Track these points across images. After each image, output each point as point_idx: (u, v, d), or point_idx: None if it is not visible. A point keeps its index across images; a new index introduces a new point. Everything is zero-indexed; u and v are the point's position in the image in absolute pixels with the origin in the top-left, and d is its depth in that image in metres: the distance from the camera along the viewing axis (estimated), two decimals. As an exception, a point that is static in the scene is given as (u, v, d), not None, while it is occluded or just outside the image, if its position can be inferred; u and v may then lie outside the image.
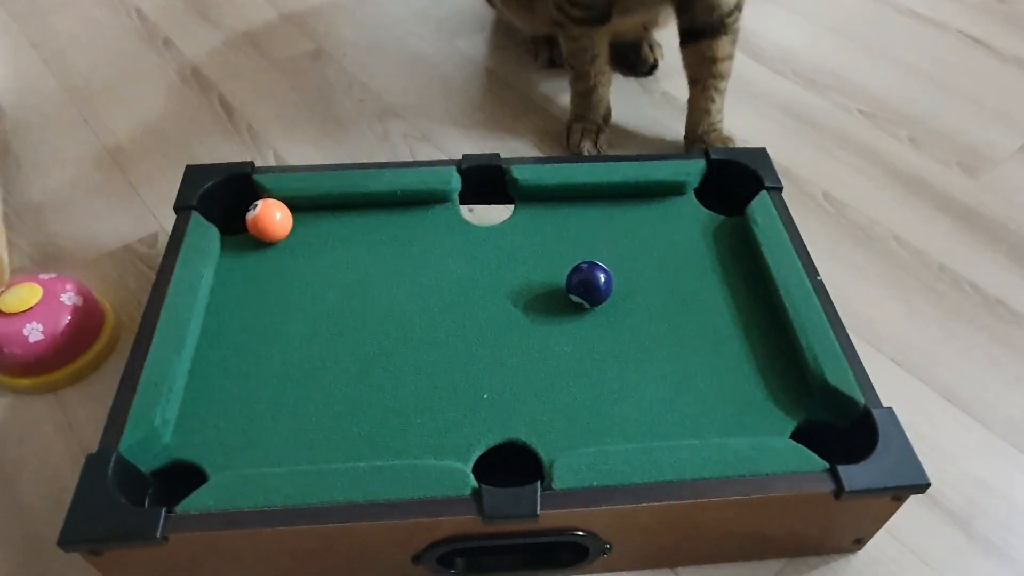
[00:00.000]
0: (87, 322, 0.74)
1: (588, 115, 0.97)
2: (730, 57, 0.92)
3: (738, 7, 0.89)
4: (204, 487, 0.53)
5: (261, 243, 0.73)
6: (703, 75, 0.92)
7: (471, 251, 0.72)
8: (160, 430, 0.57)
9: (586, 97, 0.97)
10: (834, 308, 0.65)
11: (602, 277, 0.66)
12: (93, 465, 0.53)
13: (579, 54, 0.94)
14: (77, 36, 1.17)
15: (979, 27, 1.23)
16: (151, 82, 1.09)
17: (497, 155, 0.78)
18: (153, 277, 0.82)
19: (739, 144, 0.99)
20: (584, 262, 0.67)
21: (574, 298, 0.67)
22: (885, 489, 0.53)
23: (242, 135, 1.00)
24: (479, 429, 0.59)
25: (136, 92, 1.07)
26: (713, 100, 0.93)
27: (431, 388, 0.61)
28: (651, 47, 1.11)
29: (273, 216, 0.71)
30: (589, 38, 0.92)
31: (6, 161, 0.95)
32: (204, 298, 0.66)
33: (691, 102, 0.95)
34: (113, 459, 0.53)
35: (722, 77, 0.92)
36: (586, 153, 0.95)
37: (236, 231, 0.73)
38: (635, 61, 1.11)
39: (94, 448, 0.65)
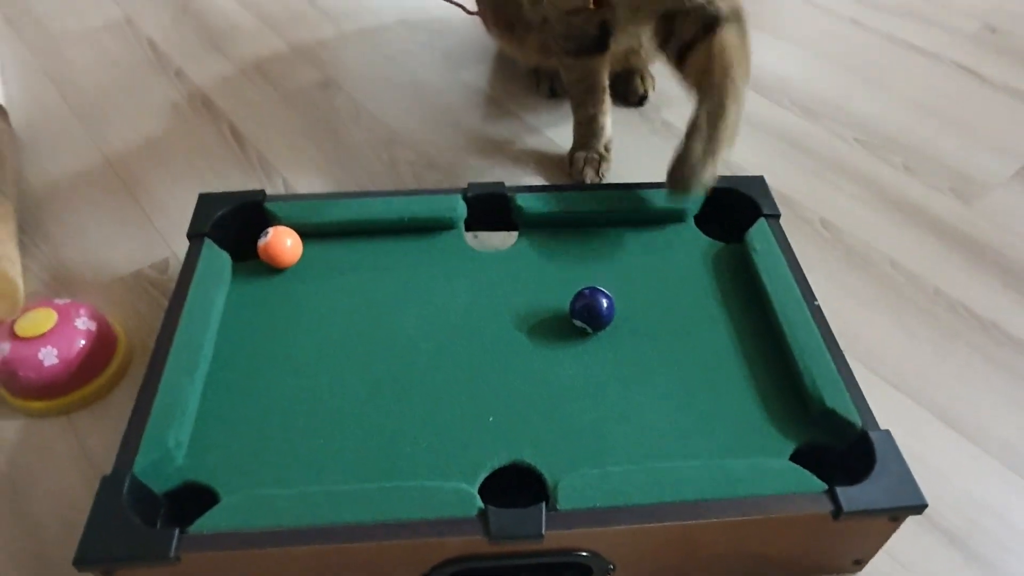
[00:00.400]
0: (100, 346, 0.75)
1: (589, 143, 1.00)
2: (737, 48, 0.80)
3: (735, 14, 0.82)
4: (216, 508, 0.54)
5: (271, 269, 0.74)
6: (713, 69, 0.79)
7: (476, 277, 0.74)
8: (173, 452, 0.58)
9: (587, 126, 0.99)
10: (831, 332, 0.67)
11: (604, 303, 0.68)
12: (108, 486, 0.55)
13: (577, 84, 0.96)
14: (91, 67, 1.20)
15: (972, 57, 1.26)
16: (163, 111, 1.11)
17: (502, 183, 0.80)
18: (164, 302, 0.85)
19: (737, 171, 1.02)
20: (587, 288, 0.68)
21: (577, 323, 0.68)
22: (883, 510, 0.55)
23: (252, 163, 1.02)
24: (485, 451, 0.60)
25: (149, 121, 1.09)
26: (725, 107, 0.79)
27: (438, 411, 0.63)
28: (642, 78, 1.14)
29: (284, 243, 0.73)
30: (585, 68, 0.94)
31: (21, 188, 0.97)
32: (216, 323, 0.68)
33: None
34: (127, 480, 0.55)
35: (733, 62, 0.79)
36: (588, 181, 0.98)
37: (247, 257, 0.75)
38: (625, 91, 1.13)
39: (106, 470, 0.66)
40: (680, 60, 0.86)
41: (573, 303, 0.68)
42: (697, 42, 0.83)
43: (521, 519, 0.53)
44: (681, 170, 0.75)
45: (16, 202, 0.92)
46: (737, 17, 0.84)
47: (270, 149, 1.05)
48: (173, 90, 1.15)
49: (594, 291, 0.68)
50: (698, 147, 0.76)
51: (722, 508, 0.54)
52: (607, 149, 1.00)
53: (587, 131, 0.99)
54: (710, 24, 0.82)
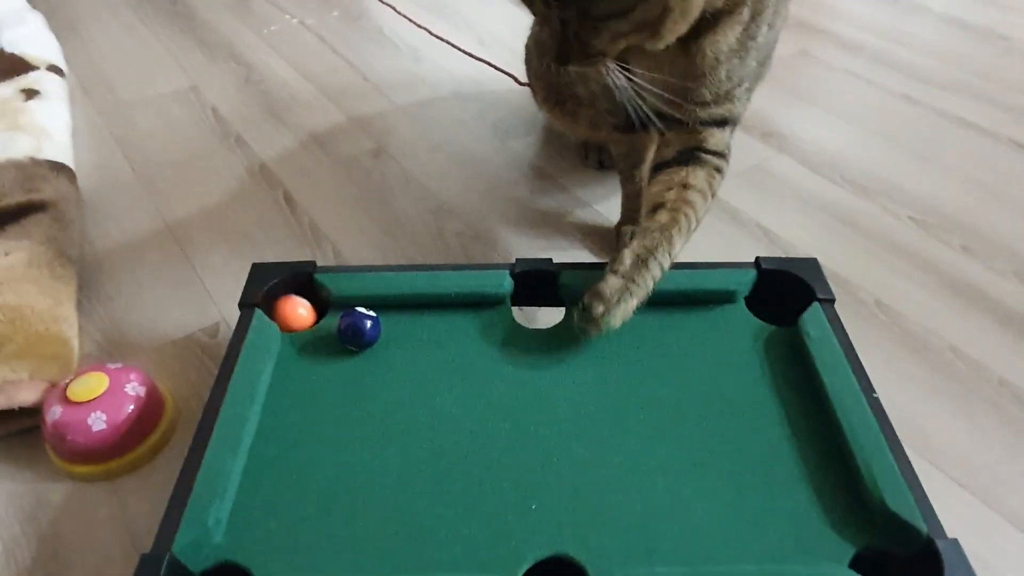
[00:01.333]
0: (148, 412, 0.76)
1: (636, 218, 0.99)
2: (702, 193, 0.79)
3: (725, 147, 0.82)
4: (253, 592, 0.53)
5: (318, 341, 0.75)
6: (673, 199, 0.78)
7: (522, 355, 0.73)
8: (213, 530, 0.57)
9: (633, 200, 0.99)
10: (892, 428, 0.64)
11: (368, 323, 0.72)
12: (147, 565, 0.54)
13: (625, 158, 0.97)
14: (156, 131, 1.25)
15: (1030, 135, 1.23)
16: (222, 176, 1.15)
17: (549, 260, 0.80)
18: (213, 367, 0.85)
19: (789, 249, 1.00)
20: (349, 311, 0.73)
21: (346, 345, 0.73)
22: (953, 628, 0.51)
23: (303, 229, 1.05)
24: (527, 541, 0.58)
25: (207, 186, 1.13)
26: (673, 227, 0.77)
27: (480, 496, 0.61)
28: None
29: (295, 311, 0.75)
30: (633, 143, 0.95)
31: (83, 249, 1.00)
32: (262, 396, 0.68)
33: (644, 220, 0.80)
34: (166, 560, 0.54)
35: (690, 205, 0.78)
36: None
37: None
38: None
39: (146, 539, 0.66)
40: (652, 175, 0.84)
41: (339, 324, 0.73)
42: (670, 166, 0.81)
43: (564, 620, 0.51)
44: (591, 309, 0.70)
45: (79, 264, 0.95)
46: (720, 157, 0.82)
47: (321, 216, 1.07)
48: (233, 156, 1.19)
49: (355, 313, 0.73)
50: (617, 284, 0.72)
51: (778, 619, 0.51)
52: None
53: (633, 205, 0.99)
54: (690, 153, 0.81)
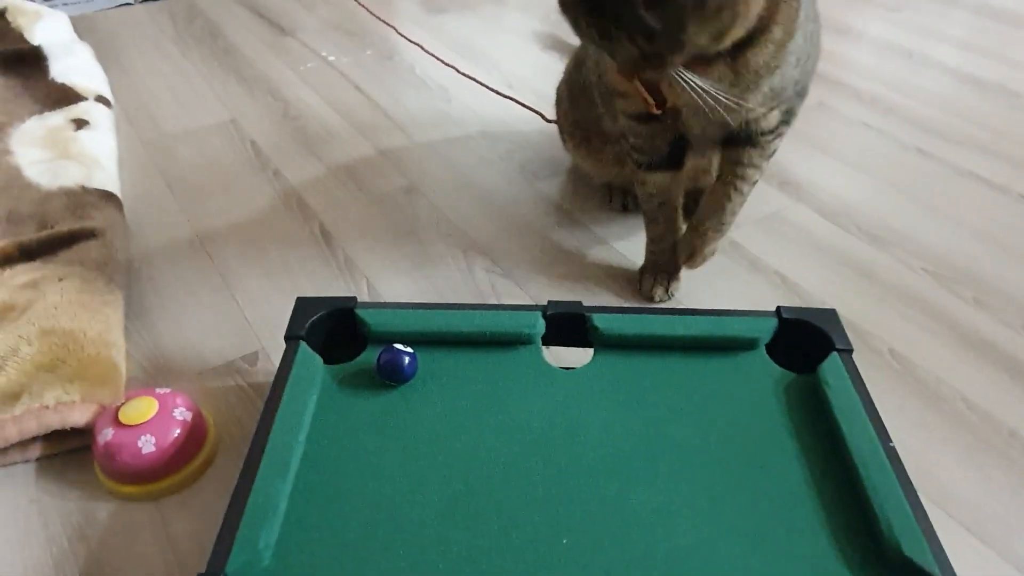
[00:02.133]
0: (193, 436, 0.80)
1: (660, 261, 1.03)
2: (757, 168, 0.95)
3: (777, 133, 0.92)
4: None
5: (358, 374, 0.79)
6: (728, 173, 0.95)
7: (553, 394, 0.77)
8: (263, 553, 0.61)
9: (658, 243, 1.03)
10: (907, 476, 0.67)
11: (406, 359, 0.76)
12: (202, 584, 0.58)
13: (650, 200, 1.01)
14: (197, 162, 1.31)
15: (1041, 191, 1.27)
16: (260, 208, 1.20)
17: (579, 303, 0.84)
18: (252, 393, 0.89)
19: (806, 296, 1.04)
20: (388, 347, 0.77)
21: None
22: (965, 673, 0.53)
23: (339, 262, 1.09)
24: (558, 574, 0.61)
25: (246, 217, 1.18)
26: (730, 198, 0.96)
27: (513, 529, 0.65)
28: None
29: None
30: (658, 184, 0.99)
31: (128, 276, 1.05)
32: (307, 425, 0.72)
33: (709, 194, 0.98)
34: (221, 580, 0.58)
35: (744, 179, 0.95)
36: (657, 300, 1.01)
37: (335, 360, 0.80)
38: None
39: (188, 558, 0.70)
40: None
41: (378, 359, 0.77)
42: (733, 144, 0.94)
43: (596, 651, 0.54)
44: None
45: (125, 290, 0.99)
46: (769, 140, 0.93)
47: (356, 250, 1.11)
48: (270, 188, 1.24)
49: (393, 349, 0.77)
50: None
51: (798, 657, 0.54)
52: (677, 268, 1.03)
53: (658, 248, 1.03)
54: (753, 133, 0.92)
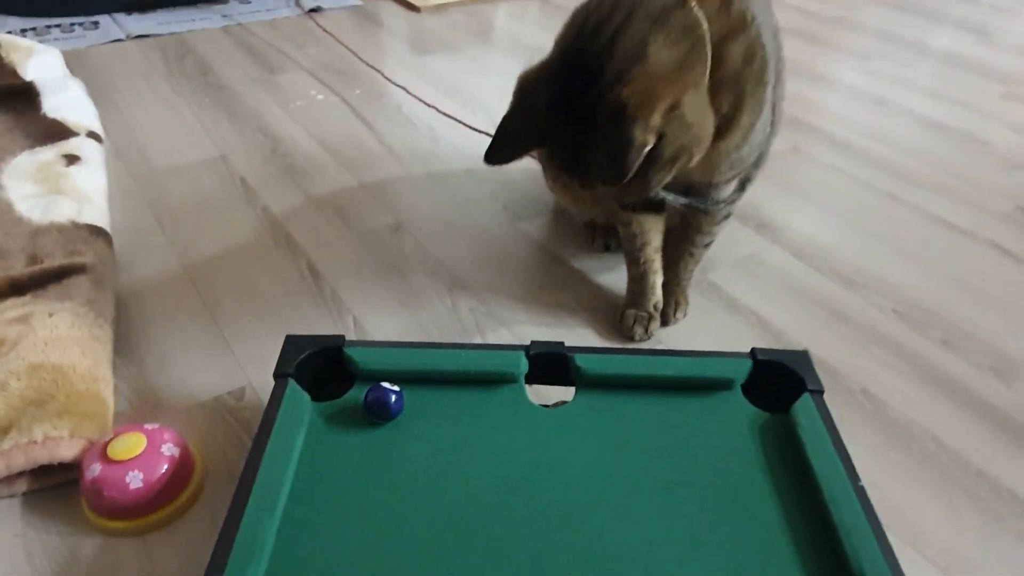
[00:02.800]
0: (181, 471, 0.81)
1: (640, 302, 1.06)
2: (707, 233, 1.04)
3: (730, 201, 0.99)
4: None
5: (345, 412, 0.80)
6: (682, 236, 1.05)
7: (535, 431, 0.79)
8: (250, 590, 0.62)
9: (638, 283, 1.06)
10: (875, 515, 0.69)
11: (392, 397, 0.78)
12: (190, 620, 0.58)
13: (631, 240, 1.04)
14: (187, 198, 1.33)
15: (1006, 237, 1.32)
16: (249, 244, 1.22)
17: (562, 343, 0.86)
18: (239, 429, 0.90)
19: (781, 336, 1.07)
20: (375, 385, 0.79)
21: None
22: None
23: (326, 299, 1.11)
24: (540, 611, 0.63)
25: (235, 253, 1.20)
26: (684, 259, 1.07)
27: (497, 564, 0.66)
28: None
29: None
30: (639, 224, 1.02)
31: (117, 311, 1.06)
32: (295, 462, 0.73)
33: (667, 254, 1.07)
34: (209, 616, 0.58)
35: (695, 244, 1.05)
36: (637, 339, 1.04)
37: (323, 397, 0.82)
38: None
39: (179, 598, 0.70)
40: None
41: (365, 397, 0.79)
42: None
43: None
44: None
45: (113, 325, 1.00)
46: (721, 210, 1.02)
47: (343, 287, 1.14)
48: (259, 225, 1.27)
49: (380, 387, 0.79)
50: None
51: None
52: (656, 308, 1.07)
53: (638, 288, 1.06)
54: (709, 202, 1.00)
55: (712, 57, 0.80)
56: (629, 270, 1.07)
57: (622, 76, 0.76)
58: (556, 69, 0.82)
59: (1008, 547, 0.81)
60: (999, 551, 0.80)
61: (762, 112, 0.87)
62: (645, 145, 0.75)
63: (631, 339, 1.05)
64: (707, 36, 0.79)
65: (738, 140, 0.87)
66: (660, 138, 0.76)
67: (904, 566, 0.65)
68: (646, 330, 1.04)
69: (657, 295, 1.06)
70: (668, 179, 0.81)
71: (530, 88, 0.83)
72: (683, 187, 1.00)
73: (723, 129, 0.84)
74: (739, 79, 0.82)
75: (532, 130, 0.83)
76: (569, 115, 0.80)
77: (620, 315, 1.07)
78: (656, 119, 0.74)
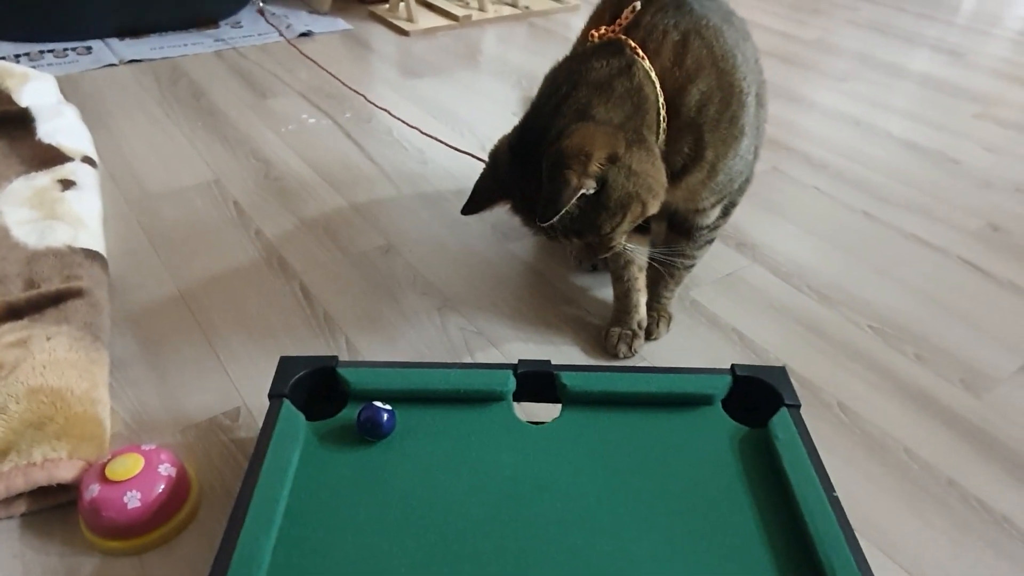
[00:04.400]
0: (177, 491, 0.83)
1: (624, 319, 1.10)
2: (690, 257, 1.10)
3: (713, 226, 1.07)
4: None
5: (338, 431, 0.83)
6: (667, 260, 1.10)
7: (523, 448, 0.81)
8: (248, 604, 0.64)
9: (623, 301, 1.10)
10: (849, 524, 0.72)
11: (384, 416, 0.81)
12: (190, 634, 0.61)
13: (615, 258, 1.08)
14: (181, 222, 1.35)
15: (976, 253, 1.37)
16: (242, 267, 1.24)
17: (548, 361, 0.89)
18: (234, 449, 0.93)
19: (761, 353, 1.10)
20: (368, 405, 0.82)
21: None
22: None
23: (319, 321, 1.14)
24: (528, 621, 0.65)
25: (229, 275, 1.22)
26: (665, 280, 1.12)
27: (485, 578, 0.69)
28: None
29: None
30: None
31: (113, 334, 1.08)
32: (290, 481, 0.76)
33: (650, 276, 1.12)
34: (209, 630, 0.61)
35: (677, 268, 1.11)
36: (622, 356, 1.07)
37: (316, 417, 0.84)
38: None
39: (177, 614, 0.72)
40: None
41: (358, 416, 0.81)
42: (672, 231, 1.11)
43: None
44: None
45: (109, 347, 1.03)
46: (703, 235, 1.09)
47: (335, 308, 1.16)
48: (252, 248, 1.29)
49: (373, 407, 0.82)
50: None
51: None
52: (640, 327, 1.10)
53: (622, 307, 1.10)
54: (690, 228, 1.07)
55: (669, 107, 0.90)
56: (614, 288, 1.11)
57: (563, 133, 0.85)
58: (517, 134, 0.94)
59: (977, 553, 0.84)
60: (968, 557, 0.84)
61: (735, 143, 0.93)
62: (579, 188, 0.83)
63: (615, 356, 1.08)
64: (654, 96, 0.89)
65: (705, 174, 0.95)
66: (603, 185, 0.85)
67: (876, 572, 0.69)
68: (630, 347, 1.08)
69: (641, 313, 1.10)
70: (625, 227, 0.89)
71: (497, 153, 0.97)
72: (668, 213, 1.05)
73: (688, 166, 0.94)
74: (696, 123, 0.91)
75: (495, 187, 0.95)
76: (523, 171, 0.90)
77: (605, 333, 1.10)
78: (593, 167, 0.83)
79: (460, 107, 1.84)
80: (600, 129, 0.85)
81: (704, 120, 0.91)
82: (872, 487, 0.92)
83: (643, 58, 0.89)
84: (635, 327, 1.09)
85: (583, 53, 0.93)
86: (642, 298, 1.10)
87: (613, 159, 0.84)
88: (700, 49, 0.91)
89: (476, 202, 0.97)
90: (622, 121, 0.86)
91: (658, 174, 0.88)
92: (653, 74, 0.89)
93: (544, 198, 0.84)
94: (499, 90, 1.95)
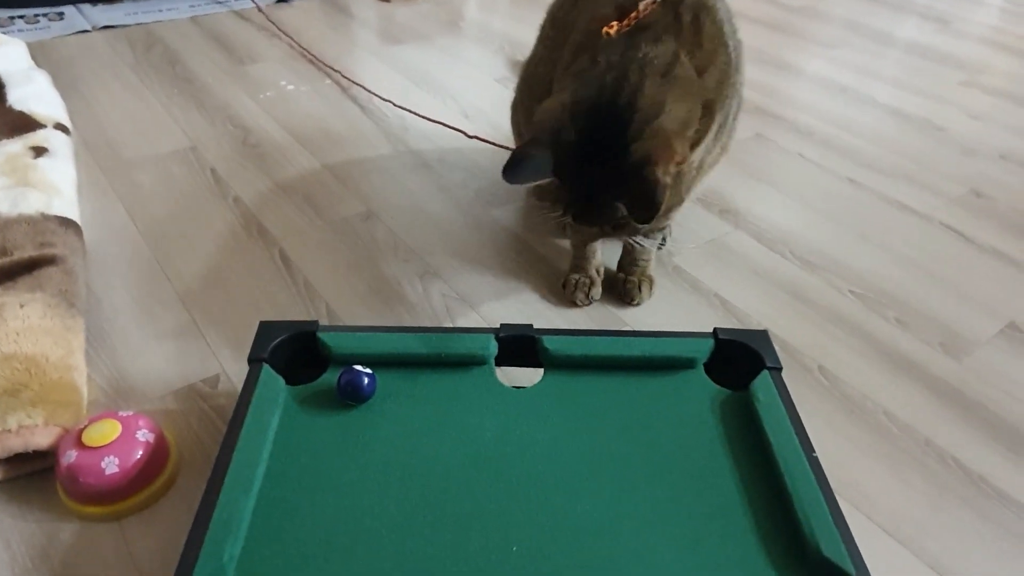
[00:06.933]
0: (155, 457, 0.82)
1: (581, 267, 1.10)
2: (648, 240, 1.05)
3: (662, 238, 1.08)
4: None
5: (319, 395, 0.82)
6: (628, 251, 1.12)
7: (505, 412, 0.81)
8: (227, 566, 0.64)
9: (580, 248, 1.10)
10: (828, 483, 0.73)
11: (365, 380, 0.80)
12: (168, 596, 0.60)
13: (579, 241, 1.10)
14: (157, 189, 1.33)
15: (958, 220, 1.37)
16: (220, 234, 1.23)
17: (530, 325, 0.89)
18: (213, 415, 0.92)
19: (744, 318, 1.11)
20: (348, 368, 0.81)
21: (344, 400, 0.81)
22: (875, 658, 0.59)
23: (299, 288, 1.12)
24: (508, 580, 0.65)
25: (207, 242, 1.20)
26: (634, 249, 1.11)
27: (466, 538, 0.69)
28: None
29: None
30: (590, 233, 1.04)
31: (88, 301, 1.06)
32: (271, 444, 0.75)
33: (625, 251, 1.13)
34: (187, 592, 0.60)
35: (642, 246, 1.08)
36: (579, 304, 1.08)
37: (297, 381, 0.83)
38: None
39: (152, 574, 0.72)
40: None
41: (339, 380, 0.80)
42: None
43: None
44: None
45: (86, 315, 1.01)
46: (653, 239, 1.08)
47: (315, 275, 1.15)
48: (230, 215, 1.27)
49: (353, 370, 0.81)
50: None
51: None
52: (599, 273, 1.10)
53: (580, 254, 1.10)
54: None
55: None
56: (572, 237, 1.12)
57: (644, 133, 0.82)
58: (584, 114, 0.84)
59: (953, 512, 0.85)
60: (945, 516, 0.85)
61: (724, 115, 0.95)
62: (667, 187, 0.80)
63: (573, 304, 1.09)
64: (697, 86, 0.87)
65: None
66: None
67: (855, 531, 0.69)
68: (587, 295, 1.08)
69: (598, 259, 1.10)
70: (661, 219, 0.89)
71: (555, 124, 0.85)
72: None
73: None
74: (711, 109, 0.89)
75: (554, 161, 0.85)
76: (591, 156, 0.84)
77: (564, 281, 1.10)
78: (672, 167, 0.82)
79: (442, 74, 1.81)
80: (676, 131, 0.84)
81: (719, 104, 0.92)
82: (852, 449, 0.92)
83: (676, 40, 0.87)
84: (592, 273, 1.10)
85: (633, 35, 0.87)
86: (598, 244, 1.10)
87: (681, 161, 0.84)
88: (711, 27, 0.90)
89: (525, 171, 0.86)
90: (686, 119, 0.85)
91: (690, 169, 0.90)
92: (688, 62, 0.87)
93: (638, 198, 0.81)
94: (482, 56, 1.92)
